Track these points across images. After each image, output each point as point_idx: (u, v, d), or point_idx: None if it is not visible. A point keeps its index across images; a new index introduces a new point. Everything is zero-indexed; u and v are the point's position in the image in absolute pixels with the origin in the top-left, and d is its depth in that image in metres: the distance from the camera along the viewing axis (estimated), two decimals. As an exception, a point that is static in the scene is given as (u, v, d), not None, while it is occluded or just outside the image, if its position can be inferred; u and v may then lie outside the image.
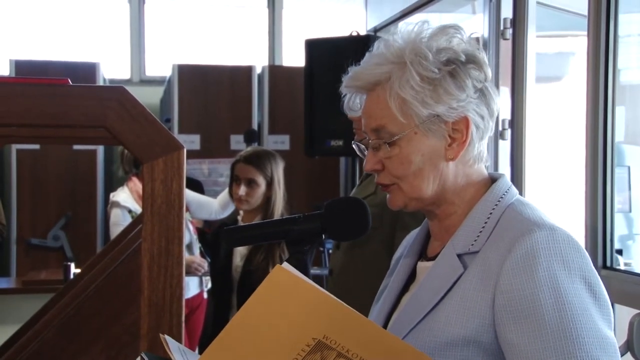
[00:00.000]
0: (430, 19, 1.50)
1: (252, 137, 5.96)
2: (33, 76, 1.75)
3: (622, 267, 3.07)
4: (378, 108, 1.43)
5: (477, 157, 1.47)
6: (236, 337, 1.17)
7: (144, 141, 1.68)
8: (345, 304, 1.17)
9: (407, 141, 1.41)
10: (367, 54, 1.47)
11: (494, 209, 1.43)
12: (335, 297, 1.17)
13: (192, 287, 4.83)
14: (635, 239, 3.77)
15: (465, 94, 1.41)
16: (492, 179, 1.49)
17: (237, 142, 6.48)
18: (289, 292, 1.15)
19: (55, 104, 1.65)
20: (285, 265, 1.18)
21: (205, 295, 4.89)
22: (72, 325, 1.86)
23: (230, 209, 4.90)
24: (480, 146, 1.47)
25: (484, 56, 1.45)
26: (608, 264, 2.91)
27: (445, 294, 1.38)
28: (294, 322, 1.16)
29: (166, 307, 1.69)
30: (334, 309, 1.16)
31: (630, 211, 3.68)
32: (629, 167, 3.70)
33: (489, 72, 1.45)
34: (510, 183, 1.49)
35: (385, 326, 1.50)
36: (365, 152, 1.48)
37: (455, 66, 1.41)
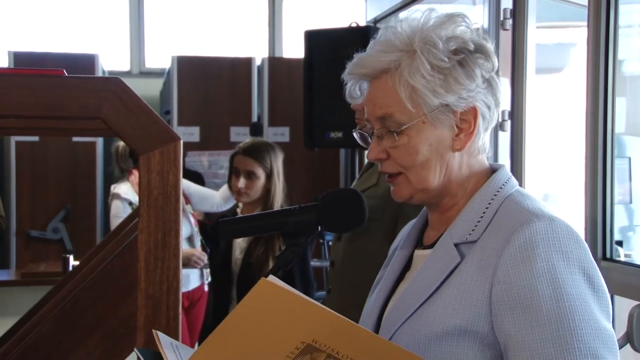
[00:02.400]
0: (430, 10, 1.49)
1: (258, 130, 5.90)
2: (32, 68, 1.73)
3: (622, 258, 3.06)
4: (385, 96, 1.41)
5: (481, 147, 1.46)
6: (224, 341, 1.17)
7: (140, 132, 1.66)
8: (332, 311, 1.16)
9: (415, 131, 1.40)
10: (371, 41, 1.45)
11: (492, 199, 1.42)
12: (321, 305, 1.17)
13: (193, 279, 4.83)
14: (635, 230, 3.76)
15: (474, 83, 1.40)
16: (493, 170, 1.48)
17: (236, 134, 6.48)
18: (275, 302, 1.15)
19: (50, 95, 1.63)
20: (271, 277, 1.18)
21: (206, 288, 4.88)
22: (69, 318, 1.86)
23: (232, 201, 4.89)
24: (485, 137, 1.46)
25: (491, 46, 1.44)
26: (608, 255, 2.90)
27: (442, 283, 1.37)
28: (281, 328, 1.17)
29: (163, 299, 1.68)
30: (321, 315, 1.16)
31: (630, 202, 3.67)
32: (629, 158, 3.68)
33: (496, 62, 1.44)
34: (510, 174, 1.48)
35: (380, 316, 1.49)
36: (369, 140, 1.47)
37: (464, 55, 1.39)
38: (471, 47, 1.40)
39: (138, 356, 1.34)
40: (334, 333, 1.16)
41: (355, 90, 1.50)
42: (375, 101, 1.43)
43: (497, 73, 1.46)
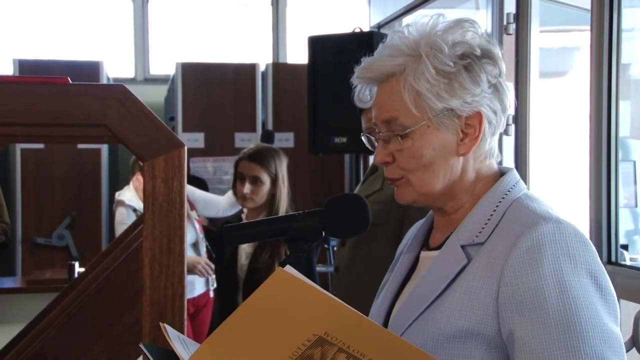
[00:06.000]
0: (434, 15, 1.49)
1: (270, 137, 5.84)
2: (36, 75, 1.74)
3: (628, 262, 3.06)
4: (390, 100, 1.42)
5: (488, 152, 1.46)
6: (235, 330, 1.17)
7: (145, 139, 1.67)
8: (346, 304, 1.16)
9: (419, 134, 1.41)
10: (380, 45, 1.46)
11: (500, 202, 1.42)
12: (336, 298, 1.17)
13: (199, 286, 4.84)
14: (641, 234, 3.75)
15: (479, 88, 1.40)
16: (501, 173, 1.48)
17: (241, 139, 6.48)
18: (290, 292, 1.15)
19: (54, 103, 1.64)
20: (288, 267, 1.18)
21: (211, 295, 4.89)
22: (74, 325, 1.86)
23: (238, 206, 4.89)
24: (492, 142, 1.46)
25: (498, 51, 1.45)
26: (613, 259, 2.89)
27: (449, 285, 1.37)
28: (294, 319, 1.16)
29: (168, 305, 1.68)
30: (335, 308, 1.16)
31: (636, 206, 3.67)
32: (634, 162, 3.69)
33: (503, 68, 1.45)
34: (518, 177, 1.48)
35: (387, 317, 1.49)
36: (375, 144, 1.47)
37: (470, 60, 1.40)
38: (478, 52, 1.41)
39: (144, 352, 1.34)
40: (347, 327, 1.16)
41: (364, 94, 1.51)
42: (382, 105, 1.44)
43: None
